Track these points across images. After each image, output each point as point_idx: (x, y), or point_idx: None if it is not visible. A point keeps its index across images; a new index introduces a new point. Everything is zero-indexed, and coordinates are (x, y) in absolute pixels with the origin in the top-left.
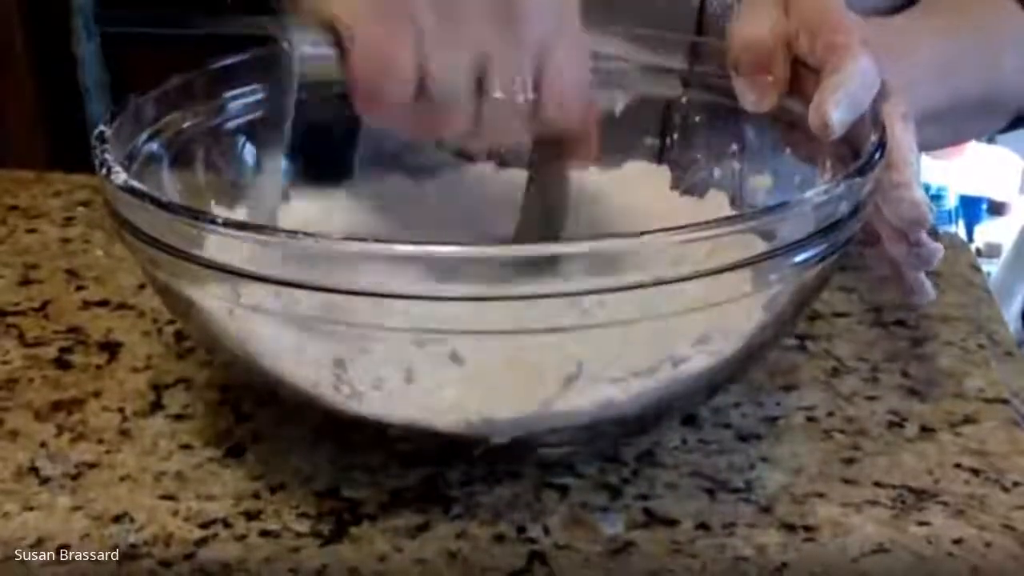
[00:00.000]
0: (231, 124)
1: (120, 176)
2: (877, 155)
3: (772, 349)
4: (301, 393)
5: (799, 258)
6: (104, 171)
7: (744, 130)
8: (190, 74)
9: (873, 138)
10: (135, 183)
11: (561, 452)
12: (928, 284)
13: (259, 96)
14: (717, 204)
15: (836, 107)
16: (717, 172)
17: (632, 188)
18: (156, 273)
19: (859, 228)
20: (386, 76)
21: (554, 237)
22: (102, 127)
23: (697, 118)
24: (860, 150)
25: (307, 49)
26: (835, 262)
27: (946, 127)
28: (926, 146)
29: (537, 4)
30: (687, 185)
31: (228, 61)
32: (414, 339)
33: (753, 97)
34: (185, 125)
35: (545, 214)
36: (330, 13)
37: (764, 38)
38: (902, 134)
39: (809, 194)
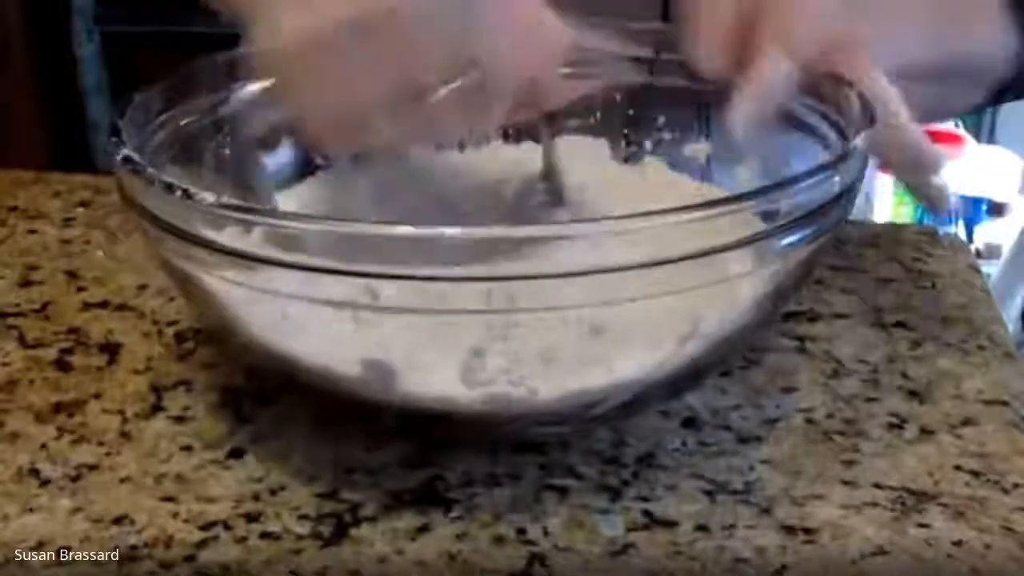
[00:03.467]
0: (238, 115)
1: (145, 168)
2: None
3: (762, 330)
4: (331, 380)
5: (798, 236)
6: (123, 160)
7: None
8: (196, 64)
9: (858, 110)
10: (159, 174)
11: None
12: (947, 187)
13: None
14: (657, 170)
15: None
16: (649, 143)
17: (576, 162)
18: (177, 262)
19: (848, 208)
20: (326, 122)
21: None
22: (116, 118)
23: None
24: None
25: None
26: (828, 241)
27: (923, 89)
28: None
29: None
30: (625, 155)
31: (234, 52)
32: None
33: (748, 112)
34: (192, 116)
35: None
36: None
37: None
38: (883, 83)
39: (806, 172)
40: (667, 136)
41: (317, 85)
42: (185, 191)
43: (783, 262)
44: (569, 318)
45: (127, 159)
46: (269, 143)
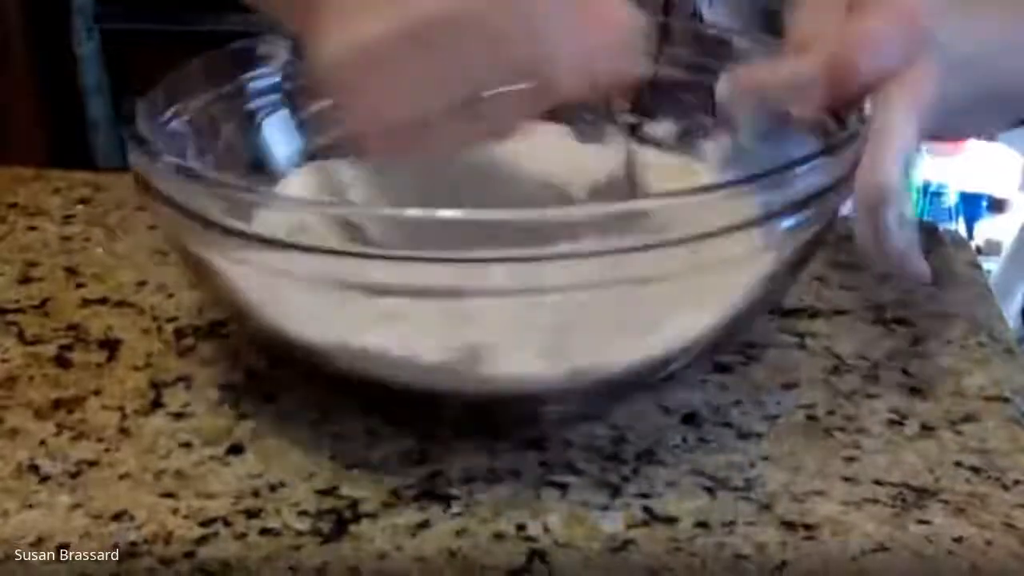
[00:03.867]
0: (251, 104)
1: (165, 156)
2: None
3: (760, 315)
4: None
5: (799, 219)
6: (139, 146)
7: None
8: (209, 54)
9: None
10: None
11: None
12: (924, 264)
13: (277, 77)
14: (619, 146)
15: (891, 173)
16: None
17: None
18: (192, 247)
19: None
20: (387, 130)
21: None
22: (133, 105)
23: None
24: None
25: None
26: (826, 229)
27: (961, 118)
28: (931, 134)
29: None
30: (586, 135)
31: (246, 42)
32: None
33: (726, 88)
34: (206, 106)
35: None
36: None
37: (821, 40)
38: (900, 119)
39: (804, 157)
40: (673, 129)
41: (377, 96)
42: (209, 178)
43: (784, 245)
44: (629, 291)
45: (144, 143)
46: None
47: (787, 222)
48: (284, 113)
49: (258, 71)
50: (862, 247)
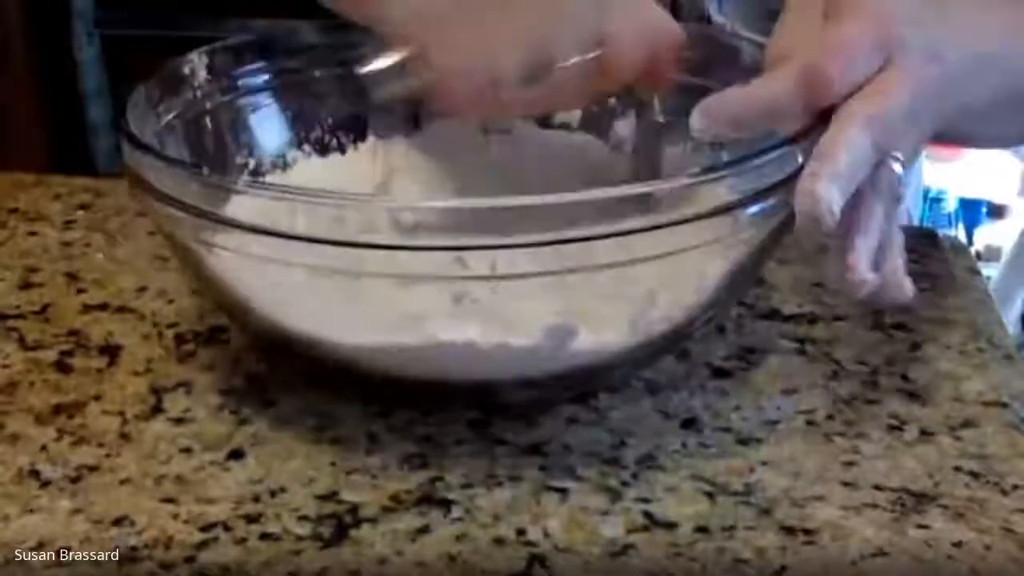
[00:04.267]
0: (243, 100)
1: (158, 148)
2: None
3: (729, 306)
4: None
5: (763, 206)
6: (133, 141)
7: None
8: (203, 50)
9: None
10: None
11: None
12: (907, 281)
13: (269, 73)
14: (587, 139)
15: (827, 188)
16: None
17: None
18: (184, 240)
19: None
20: (464, 85)
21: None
22: (133, 97)
23: None
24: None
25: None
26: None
27: (988, 122)
28: (963, 140)
29: None
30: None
31: (240, 39)
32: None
33: (701, 124)
34: (197, 101)
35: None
36: (392, 28)
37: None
38: (852, 134)
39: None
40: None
41: (457, 49)
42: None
43: (751, 233)
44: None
45: (136, 139)
46: None
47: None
48: (276, 108)
49: (250, 67)
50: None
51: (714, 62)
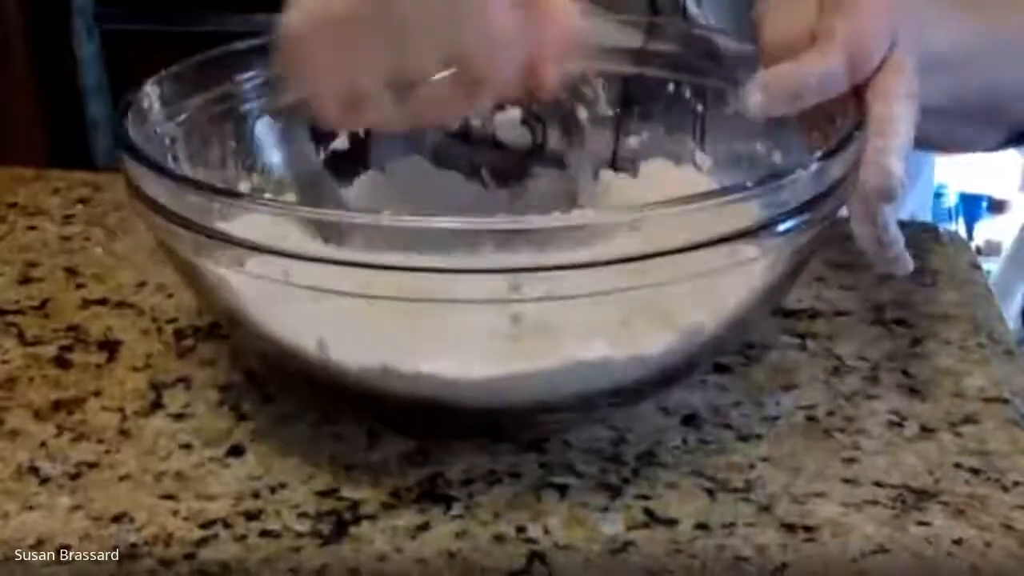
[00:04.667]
0: (245, 107)
1: (151, 160)
2: (855, 133)
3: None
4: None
5: (795, 223)
6: (131, 153)
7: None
8: (203, 56)
9: (851, 116)
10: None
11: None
12: (907, 256)
13: (271, 79)
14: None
15: (896, 163)
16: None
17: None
18: (181, 252)
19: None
20: (332, 101)
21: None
22: (123, 107)
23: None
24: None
25: None
26: (823, 231)
27: (940, 124)
28: (918, 141)
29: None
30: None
31: (241, 45)
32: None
33: (759, 100)
34: (201, 106)
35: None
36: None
37: (798, 38)
38: (900, 110)
39: (792, 166)
40: (658, 128)
41: (324, 65)
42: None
43: (781, 250)
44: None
45: (132, 148)
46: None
47: (786, 226)
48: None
49: (250, 72)
50: (861, 239)
51: (690, 56)
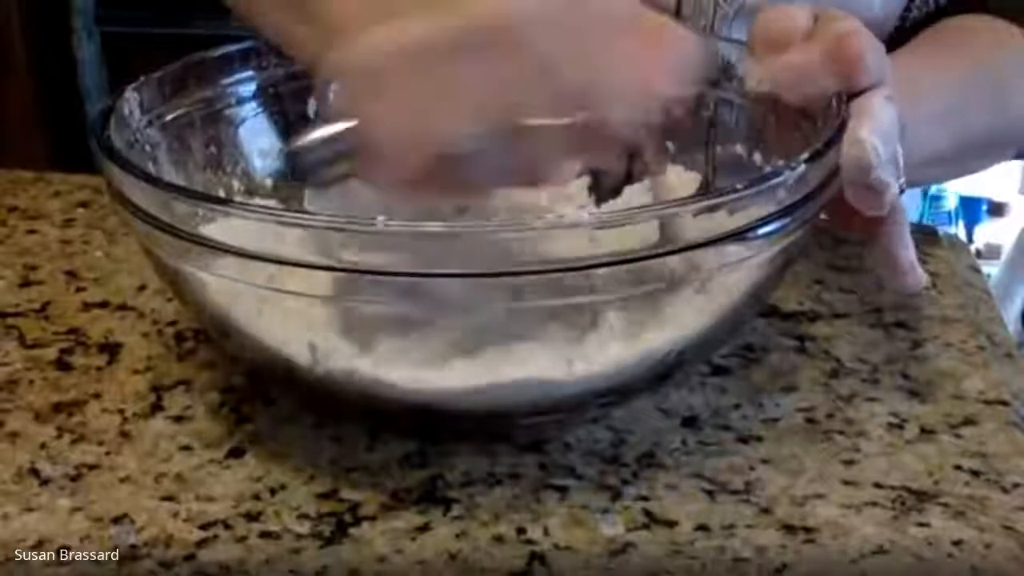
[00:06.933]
0: (229, 111)
1: (140, 169)
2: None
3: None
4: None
5: (777, 226)
6: (112, 158)
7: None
8: (188, 60)
9: (834, 120)
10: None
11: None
12: (920, 269)
13: (255, 84)
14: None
15: (870, 135)
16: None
17: None
18: (164, 257)
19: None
20: (393, 156)
21: None
22: (103, 108)
23: None
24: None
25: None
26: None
27: (953, 167)
28: (934, 183)
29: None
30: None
31: (225, 49)
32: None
33: (759, 74)
34: (183, 111)
35: None
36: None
37: (791, 33)
38: (878, 101)
39: (771, 172)
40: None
41: (405, 110)
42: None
43: (764, 252)
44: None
45: (112, 152)
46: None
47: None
48: (263, 119)
49: (236, 76)
50: (881, 260)
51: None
